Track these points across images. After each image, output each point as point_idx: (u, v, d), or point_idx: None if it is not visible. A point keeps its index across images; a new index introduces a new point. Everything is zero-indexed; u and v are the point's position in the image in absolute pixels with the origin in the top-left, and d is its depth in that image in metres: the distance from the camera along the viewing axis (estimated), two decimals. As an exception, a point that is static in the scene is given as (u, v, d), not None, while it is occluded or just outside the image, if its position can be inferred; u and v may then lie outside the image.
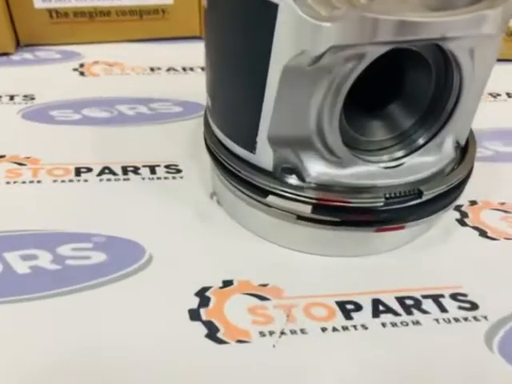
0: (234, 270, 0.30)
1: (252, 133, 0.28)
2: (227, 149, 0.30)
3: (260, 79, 0.25)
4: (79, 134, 0.42)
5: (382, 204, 0.27)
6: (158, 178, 0.37)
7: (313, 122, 0.26)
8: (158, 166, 0.39)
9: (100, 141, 0.41)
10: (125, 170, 0.38)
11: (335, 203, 0.27)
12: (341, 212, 0.27)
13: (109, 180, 0.37)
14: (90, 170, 0.38)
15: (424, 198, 0.28)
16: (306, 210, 0.28)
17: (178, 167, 0.39)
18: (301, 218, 0.29)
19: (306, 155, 0.27)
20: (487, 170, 0.39)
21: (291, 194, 0.28)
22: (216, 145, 0.31)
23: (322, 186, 0.27)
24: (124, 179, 0.37)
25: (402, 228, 0.29)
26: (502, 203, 0.36)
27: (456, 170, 0.30)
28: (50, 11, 0.55)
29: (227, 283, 0.29)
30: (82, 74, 0.52)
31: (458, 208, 0.35)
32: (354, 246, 0.30)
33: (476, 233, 0.33)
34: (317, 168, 0.27)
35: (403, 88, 0.28)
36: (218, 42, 0.28)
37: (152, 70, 0.53)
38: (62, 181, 0.37)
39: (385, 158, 0.28)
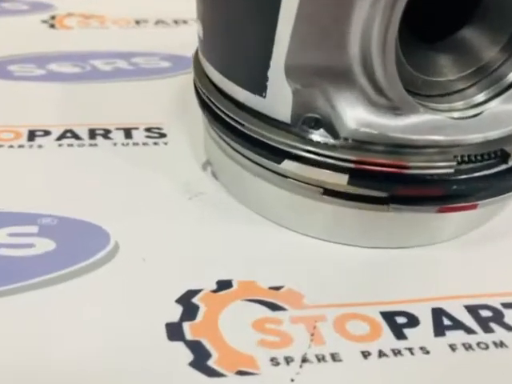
0: (234, 267, 0.21)
1: (262, 64, 0.19)
2: (225, 94, 0.22)
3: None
4: (41, 91, 0.34)
5: (452, 171, 0.18)
6: (135, 144, 0.29)
7: (355, 44, 0.17)
8: (136, 128, 0.30)
9: (65, 99, 0.33)
10: (92, 134, 0.29)
11: (384, 169, 0.18)
12: (392, 182, 0.19)
13: (70, 145, 0.28)
14: (47, 133, 0.29)
15: (510, 164, 0.19)
16: (340, 179, 0.19)
17: (162, 130, 0.30)
18: (329, 192, 0.20)
19: (341, 97, 0.18)
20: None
21: (318, 155, 0.19)
22: (209, 90, 0.22)
23: (365, 144, 0.19)
24: (90, 145, 0.28)
25: (475, 207, 0.20)
26: None
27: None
28: (16, -46, 0.46)
29: (223, 285, 0.20)
30: (52, 26, 0.43)
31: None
32: (405, 232, 0.21)
33: None
34: (358, 115, 0.18)
35: (481, 1, 0.19)
36: None
37: (137, 23, 0.45)
38: (10, 146, 0.28)
39: (458, 104, 0.19)
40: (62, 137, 0.29)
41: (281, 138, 0.20)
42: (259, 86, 0.19)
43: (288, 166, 0.20)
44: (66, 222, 0.23)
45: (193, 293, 0.20)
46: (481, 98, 0.19)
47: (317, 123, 0.19)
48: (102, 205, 0.24)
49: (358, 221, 0.21)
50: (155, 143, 0.29)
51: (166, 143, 0.29)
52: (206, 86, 0.23)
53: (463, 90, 0.19)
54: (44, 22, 0.44)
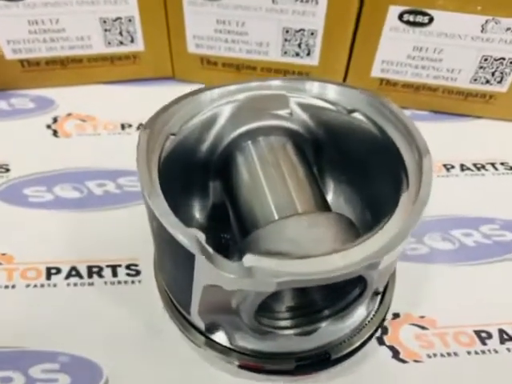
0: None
1: (186, 303, 0.32)
2: (170, 298, 0.35)
3: (188, 284, 0.29)
4: (50, 221, 0.45)
5: (292, 368, 0.32)
6: (119, 283, 0.41)
7: (233, 309, 0.30)
8: (120, 265, 0.42)
9: (69, 232, 0.44)
10: (90, 272, 0.42)
11: (255, 367, 0.32)
12: (260, 372, 0.33)
13: (75, 285, 0.41)
14: (59, 270, 0.42)
15: (332, 358, 0.33)
16: (234, 367, 0.33)
17: (138, 267, 0.42)
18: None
19: (231, 326, 0.32)
20: (417, 274, 0.43)
21: (220, 353, 0.33)
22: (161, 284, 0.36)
23: (246, 350, 0.32)
24: (89, 284, 0.41)
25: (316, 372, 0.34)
26: (422, 316, 0.40)
27: (368, 326, 0.34)
28: (21, 61, 0.56)
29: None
30: (55, 133, 0.54)
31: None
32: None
33: (390, 353, 0.38)
34: (240, 337, 0.32)
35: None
36: (158, 241, 0.31)
37: (123, 127, 0.55)
38: (35, 285, 0.41)
39: (296, 324, 0.32)
40: (69, 275, 0.42)
41: (197, 339, 0.33)
42: (186, 310, 0.32)
43: (205, 352, 0.34)
44: (75, 359, 0.37)
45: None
46: (310, 320, 0.32)
47: (220, 331, 0.33)
48: (96, 343, 0.37)
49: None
50: (132, 281, 0.41)
51: (139, 281, 0.41)
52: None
53: (299, 312, 0.32)
54: (48, 127, 0.55)
